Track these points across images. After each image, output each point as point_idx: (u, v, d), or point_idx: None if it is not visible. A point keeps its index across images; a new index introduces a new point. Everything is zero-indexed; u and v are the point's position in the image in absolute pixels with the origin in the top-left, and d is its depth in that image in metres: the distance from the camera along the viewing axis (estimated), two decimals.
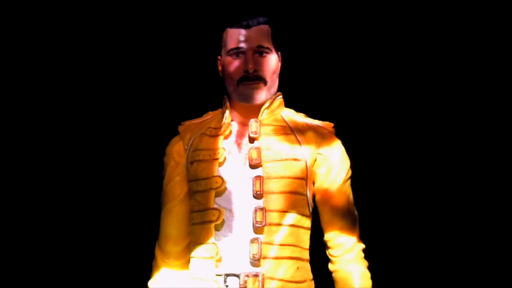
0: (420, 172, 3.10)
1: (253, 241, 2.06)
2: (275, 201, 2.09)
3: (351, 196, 2.22)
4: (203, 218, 2.12)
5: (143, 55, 3.17)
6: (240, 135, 2.20)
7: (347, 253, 2.17)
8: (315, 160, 2.17)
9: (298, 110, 2.30)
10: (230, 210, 2.10)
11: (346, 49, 3.14)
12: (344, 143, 2.24)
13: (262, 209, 2.08)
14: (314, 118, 2.28)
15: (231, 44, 2.17)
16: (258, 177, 2.10)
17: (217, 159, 2.14)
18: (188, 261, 2.18)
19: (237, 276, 2.05)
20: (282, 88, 2.27)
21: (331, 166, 2.18)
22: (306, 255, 2.15)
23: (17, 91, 3.12)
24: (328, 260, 2.21)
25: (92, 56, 3.16)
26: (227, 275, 2.06)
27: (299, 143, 2.17)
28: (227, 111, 2.23)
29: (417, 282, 3.03)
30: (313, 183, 2.19)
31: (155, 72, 3.18)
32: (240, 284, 2.04)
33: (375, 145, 3.09)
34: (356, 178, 2.27)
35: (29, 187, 3.11)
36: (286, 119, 2.24)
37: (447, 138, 3.10)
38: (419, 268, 3.06)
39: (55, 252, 3.11)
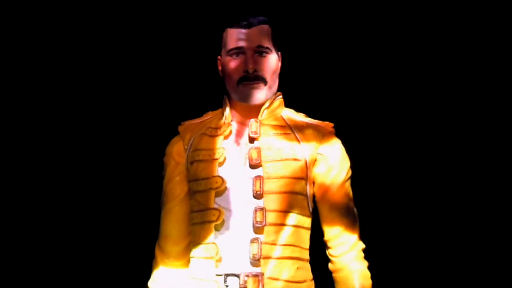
0: (420, 172, 3.10)
1: (253, 241, 2.06)
2: (275, 201, 2.09)
3: (351, 196, 2.22)
4: (203, 218, 2.12)
5: (143, 55, 3.17)
6: (240, 135, 2.20)
7: (347, 253, 2.17)
8: (315, 160, 2.17)
9: (298, 110, 2.30)
10: (230, 210, 2.10)
11: (346, 49, 3.14)
12: (344, 143, 2.24)
13: (262, 209, 2.08)
14: (314, 118, 2.28)
15: (231, 44, 2.17)
16: (258, 177, 2.10)
17: (217, 159, 2.14)
18: (188, 261, 2.18)
19: (237, 276, 2.05)
20: (282, 88, 2.27)
21: (331, 166, 2.18)
22: (306, 255, 2.15)
23: (17, 92, 3.12)
24: (328, 260, 2.21)
25: (92, 56, 3.16)
26: (227, 275, 2.06)
27: (299, 143, 2.17)
28: (227, 111, 2.23)
29: (417, 282, 3.03)
30: (313, 183, 2.19)
31: (155, 72, 3.18)
32: (240, 284, 2.04)
33: (375, 145, 3.09)
34: (356, 178, 2.27)
35: (30, 187, 3.11)
36: (286, 119, 2.24)
37: (447, 138, 3.10)
38: (419, 268, 3.06)
39: (55, 252, 3.11)
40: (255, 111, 2.20)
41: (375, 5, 3.12)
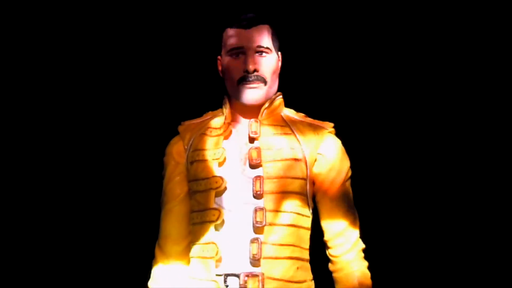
0: (420, 172, 3.10)
1: (253, 241, 2.06)
2: (275, 201, 2.09)
3: (351, 196, 2.22)
4: (203, 218, 2.11)
5: (143, 55, 3.17)
6: (240, 135, 2.19)
7: (347, 253, 2.17)
8: (315, 160, 2.17)
9: (298, 110, 2.30)
10: (230, 210, 2.10)
11: (346, 49, 3.14)
12: (344, 143, 2.24)
13: (262, 209, 2.08)
14: (314, 118, 2.27)
15: (231, 44, 2.17)
16: (258, 177, 2.10)
17: (217, 159, 2.14)
18: (188, 261, 2.18)
19: (237, 276, 2.05)
20: (282, 88, 2.27)
21: (331, 166, 2.18)
22: (306, 255, 2.15)
23: (17, 92, 3.12)
24: (328, 260, 2.21)
25: (92, 56, 3.16)
26: (227, 275, 2.06)
27: (299, 143, 2.17)
28: (227, 111, 2.23)
29: (417, 282, 3.03)
30: (313, 183, 2.19)
31: (155, 72, 3.18)
32: (240, 284, 2.04)
33: (375, 145, 3.09)
34: (356, 178, 2.27)
35: (30, 187, 3.11)
36: (286, 119, 2.24)
37: (447, 138, 3.10)
38: (419, 268, 3.06)
39: (56, 252, 3.11)
40: (255, 111, 2.20)
41: (375, 5, 3.12)
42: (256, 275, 2.04)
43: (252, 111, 2.20)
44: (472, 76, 3.09)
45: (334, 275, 2.19)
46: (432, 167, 3.10)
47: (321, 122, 2.26)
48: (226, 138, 2.19)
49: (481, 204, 3.05)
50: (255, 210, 2.07)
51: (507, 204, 3.03)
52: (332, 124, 2.26)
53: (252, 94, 2.15)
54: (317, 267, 2.19)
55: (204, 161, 2.16)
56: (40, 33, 3.13)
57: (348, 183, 2.22)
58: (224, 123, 2.21)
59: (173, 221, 2.23)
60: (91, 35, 3.16)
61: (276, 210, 2.09)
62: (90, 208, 3.14)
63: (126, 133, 3.15)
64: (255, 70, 2.14)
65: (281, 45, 2.26)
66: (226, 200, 2.11)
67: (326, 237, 2.20)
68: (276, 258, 2.06)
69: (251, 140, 2.17)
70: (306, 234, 2.16)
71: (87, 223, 3.13)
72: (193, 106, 2.52)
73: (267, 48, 2.17)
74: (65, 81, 3.16)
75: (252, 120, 2.18)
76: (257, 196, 2.09)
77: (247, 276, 2.04)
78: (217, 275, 2.07)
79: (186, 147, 2.24)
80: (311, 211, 2.18)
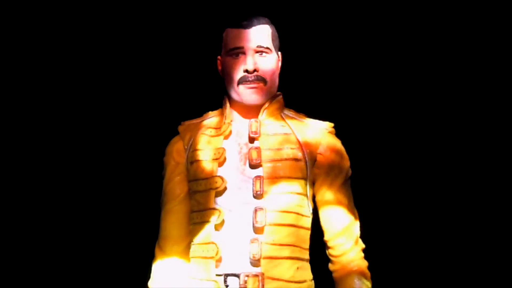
0: (420, 172, 3.11)
1: (253, 241, 2.06)
2: (275, 201, 2.09)
3: (351, 196, 2.22)
4: (203, 218, 2.11)
5: (143, 55, 3.17)
6: (240, 135, 2.19)
7: (347, 253, 2.17)
8: (315, 160, 2.17)
9: (298, 110, 2.30)
10: (230, 210, 2.10)
11: (346, 49, 3.14)
12: (344, 143, 2.24)
13: (262, 209, 2.08)
14: (314, 118, 2.28)
15: (231, 44, 2.17)
16: (258, 177, 2.10)
17: (217, 159, 2.14)
18: (188, 261, 2.18)
19: (237, 276, 2.05)
20: (282, 88, 2.27)
21: (331, 166, 2.18)
22: (306, 255, 2.15)
23: (18, 92, 3.12)
24: (328, 260, 2.21)
25: (92, 56, 3.17)
26: (227, 275, 2.06)
27: (299, 143, 2.17)
28: (227, 111, 2.23)
29: (417, 282, 3.03)
30: (313, 183, 2.19)
31: (155, 72, 3.18)
32: (240, 284, 2.04)
33: (375, 145, 3.10)
34: (356, 178, 2.27)
35: (30, 187, 3.11)
36: (286, 119, 2.24)
37: (447, 138, 3.10)
38: (419, 268, 3.06)
39: (56, 252, 3.11)
40: (255, 111, 2.20)
41: (375, 5, 3.12)
42: (256, 275, 2.03)
43: (252, 111, 2.20)
44: (472, 76, 3.09)
45: (334, 275, 2.19)
46: (432, 166, 3.11)
47: (321, 122, 2.26)
48: (226, 138, 2.19)
49: (481, 204, 3.06)
50: (255, 210, 2.07)
51: (507, 204, 3.03)
52: (332, 124, 2.26)
53: (252, 94, 2.15)
54: (317, 267, 2.19)
55: (204, 161, 2.16)
56: (40, 33, 3.13)
57: (348, 183, 2.22)
58: (224, 123, 2.21)
59: (173, 221, 2.23)
60: (91, 36, 3.16)
61: (276, 210, 2.09)
62: (90, 208, 3.14)
63: (126, 133, 3.16)
64: (255, 70, 2.14)
65: (281, 45, 2.26)
66: (226, 200, 2.11)
67: (326, 237, 2.20)
68: (276, 258, 2.06)
69: (251, 140, 2.17)
70: (306, 234, 2.16)
71: (87, 223, 3.13)
72: (193, 106, 2.52)
73: (267, 48, 2.17)
74: (65, 81, 3.16)
75: (252, 120, 2.18)
76: (257, 196, 2.09)
77: (247, 276, 2.04)
78: (217, 275, 2.07)
79: (186, 147, 2.24)
80: (311, 211, 2.18)
